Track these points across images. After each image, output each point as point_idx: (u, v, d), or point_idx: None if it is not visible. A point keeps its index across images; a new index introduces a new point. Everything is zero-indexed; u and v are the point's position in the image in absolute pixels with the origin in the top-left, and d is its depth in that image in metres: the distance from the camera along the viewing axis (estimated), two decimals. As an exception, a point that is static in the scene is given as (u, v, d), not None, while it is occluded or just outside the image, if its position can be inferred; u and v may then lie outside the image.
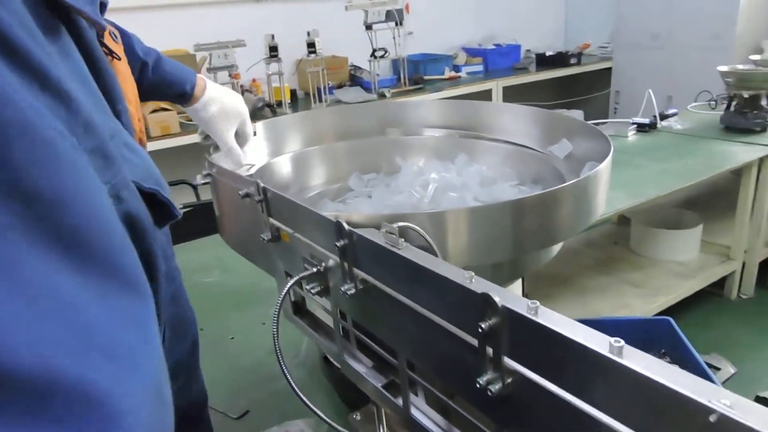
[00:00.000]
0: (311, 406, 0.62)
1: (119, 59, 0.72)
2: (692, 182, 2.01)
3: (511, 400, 0.43)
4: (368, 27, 3.55)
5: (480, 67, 4.48)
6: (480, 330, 0.42)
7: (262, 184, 0.67)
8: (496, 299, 0.43)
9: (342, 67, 4.00)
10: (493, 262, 0.80)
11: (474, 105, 1.20)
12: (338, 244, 0.58)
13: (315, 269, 0.59)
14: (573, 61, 4.53)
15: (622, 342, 0.36)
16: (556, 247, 0.91)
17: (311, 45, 3.27)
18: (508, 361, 0.43)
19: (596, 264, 2.57)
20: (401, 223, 0.68)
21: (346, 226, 0.58)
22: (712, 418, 0.29)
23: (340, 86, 3.88)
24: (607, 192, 0.87)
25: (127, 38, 0.85)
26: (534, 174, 1.07)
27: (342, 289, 0.55)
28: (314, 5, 3.91)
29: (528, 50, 4.81)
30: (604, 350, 0.37)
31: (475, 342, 0.46)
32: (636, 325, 1.79)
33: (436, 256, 0.69)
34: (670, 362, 1.68)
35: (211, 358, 1.17)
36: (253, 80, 3.57)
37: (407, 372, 0.57)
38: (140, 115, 0.77)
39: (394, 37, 3.69)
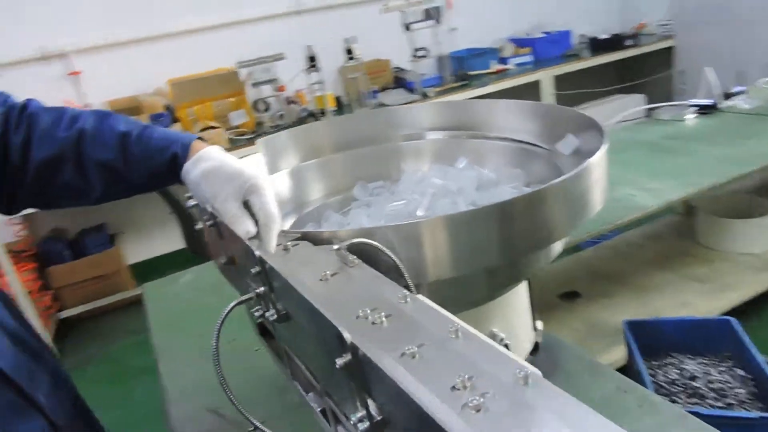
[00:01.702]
0: (250, 417, 0.60)
1: None
2: (752, 168, 1.83)
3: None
4: (407, 27, 3.52)
5: (528, 58, 4.33)
6: (336, 365, 0.39)
7: (209, 209, 0.66)
8: (346, 336, 0.39)
9: (385, 70, 3.99)
10: (478, 269, 0.76)
11: (474, 104, 1.14)
12: (253, 271, 0.56)
13: (253, 293, 0.58)
14: (629, 42, 4.28)
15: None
16: (557, 246, 0.85)
17: (349, 51, 3.28)
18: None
19: (658, 258, 2.41)
20: (357, 239, 0.65)
21: (257, 253, 0.56)
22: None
23: (384, 89, 3.87)
24: (605, 186, 0.81)
25: (95, 117, 0.74)
26: (541, 173, 1.01)
27: (266, 314, 0.53)
28: (352, 11, 3.92)
29: (582, 35, 4.60)
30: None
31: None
32: (694, 326, 1.66)
33: (400, 270, 0.66)
34: (732, 367, 1.54)
35: (235, 369, 1.20)
36: (297, 91, 3.62)
37: (327, 398, 0.54)
38: None
39: (434, 35, 3.65)
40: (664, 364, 1.54)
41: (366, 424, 0.38)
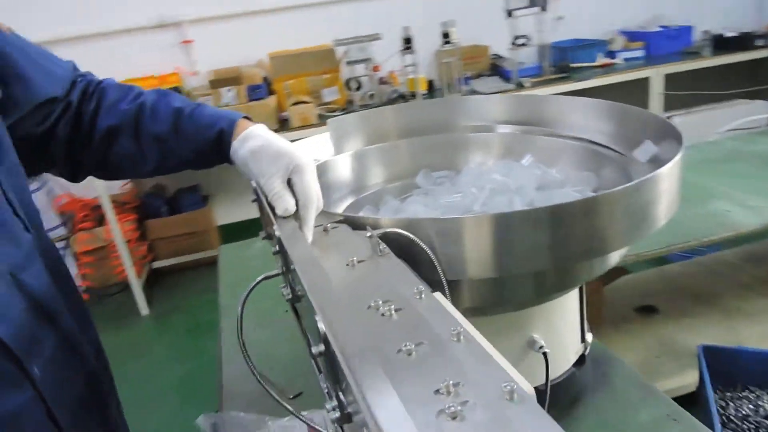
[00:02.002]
0: (269, 389, 0.63)
1: None
2: None
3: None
4: (509, 14, 3.41)
5: (640, 53, 4.04)
6: (311, 354, 0.39)
7: (254, 185, 0.68)
8: (320, 327, 0.39)
9: (482, 56, 3.90)
10: (523, 273, 0.73)
11: (550, 100, 1.09)
12: (274, 250, 0.57)
13: (279, 270, 0.60)
14: (761, 42, 3.87)
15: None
16: (613, 257, 0.80)
17: (446, 35, 3.24)
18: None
19: (754, 283, 2.20)
20: (389, 229, 0.65)
21: (276, 232, 0.57)
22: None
23: (479, 76, 3.78)
24: (674, 199, 0.75)
25: (160, 96, 0.79)
26: (612, 179, 0.95)
27: (283, 292, 0.55)
28: (454, -6, 3.85)
29: (705, 31, 4.22)
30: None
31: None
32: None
33: (435, 263, 0.66)
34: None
35: (283, 343, 1.25)
36: (391, 72, 3.64)
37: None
38: None
39: (537, 23, 3.50)
40: (739, 397, 1.41)
41: (337, 413, 0.39)
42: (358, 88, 3.41)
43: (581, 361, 0.92)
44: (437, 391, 0.38)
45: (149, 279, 3.45)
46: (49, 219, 3.37)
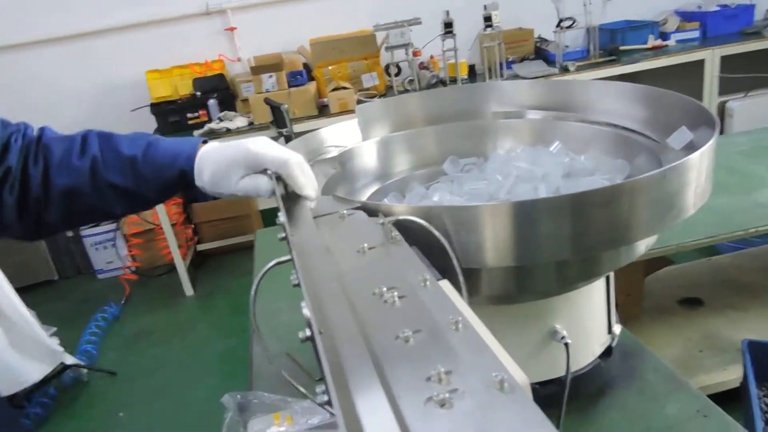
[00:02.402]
0: (296, 384, 0.64)
1: None
2: None
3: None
4: (554, -5, 3.31)
5: (695, 33, 3.85)
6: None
7: (271, 173, 0.69)
8: (306, 313, 0.40)
9: (526, 40, 3.80)
10: (543, 263, 0.72)
11: (582, 84, 1.06)
12: (280, 236, 0.58)
13: (289, 256, 0.61)
14: (827, 21, 3.63)
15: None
16: (640, 246, 0.78)
17: (487, 19, 3.17)
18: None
19: (811, 276, 2.09)
20: (402, 216, 0.65)
21: (280, 219, 0.58)
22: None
23: (522, 60, 3.70)
24: (705, 189, 0.72)
25: (103, 140, 0.76)
26: (644, 167, 0.92)
27: (291, 278, 0.56)
28: (498, -24, 3.76)
29: (768, 10, 3.98)
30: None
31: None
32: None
33: (449, 250, 0.65)
34: None
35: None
36: (431, 57, 3.60)
37: None
38: None
39: (585, 5, 3.39)
40: (783, 395, 1.36)
41: (326, 397, 0.40)
42: (397, 74, 3.40)
43: (608, 352, 0.90)
44: (428, 379, 0.38)
45: (194, 261, 3.57)
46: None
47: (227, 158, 0.71)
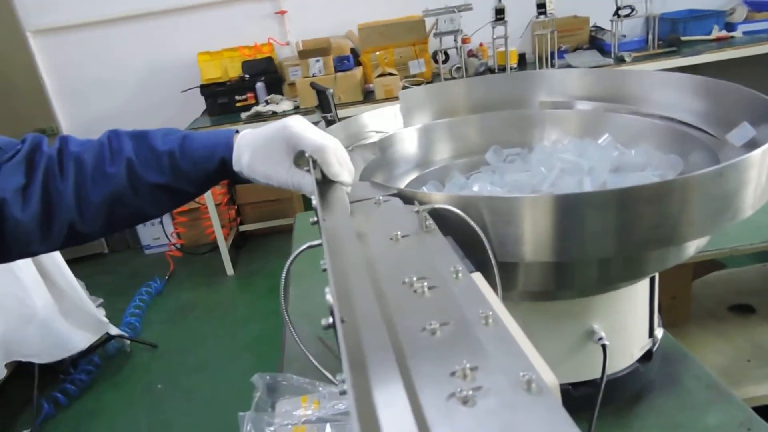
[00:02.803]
0: (321, 367, 0.64)
1: None
2: None
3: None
4: (613, -18, 3.18)
5: (765, 25, 3.64)
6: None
7: (308, 155, 0.68)
8: (328, 299, 0.39)
9: (581, 28, 3.68)
10: (584, 260, 0.69)
11: (636, 75, 1.01)
12: (312, 220, 0.57)
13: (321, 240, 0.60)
14: None
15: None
16: (689, 247, 0.73)
17: (541, 6, 3.08)
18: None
19: None
20: (438, 205, 0.64)
21: (314, 201, 0.57)
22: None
23: (576, 49, 3.58)
24: (764, 188, 0.67)
25: (132, 139, 0.74)
26: (700, 163, 0.87)
27: (321, 263, 0.55)
28: (554, -38, 3.63)
29: None
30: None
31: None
32: None
33: (485, 242, 0.63)
34: None
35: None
36: (481, 44, 3.53)
37: None
38: None
39: (645, -8, 3.25)
40: (839, 413, 1.27)
41: (345, 386, 0.39)
42: (445, 61, 3.35)
43: (648, 356, 0.86)
44: (453, 374, 0.37)
45: (236, 241, 3.64)
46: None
47: (266, 137, 0.70)
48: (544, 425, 0.31)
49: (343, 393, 0.37)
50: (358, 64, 3.44)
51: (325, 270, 0.58)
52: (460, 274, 0.49)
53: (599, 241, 0.64)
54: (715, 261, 1.95)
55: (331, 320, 0.38)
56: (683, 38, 3.53)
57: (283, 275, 0.65)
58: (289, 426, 0.84)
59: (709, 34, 3.57)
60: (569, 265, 0.70)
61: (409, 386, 0.36)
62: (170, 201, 0.75)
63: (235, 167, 0.72)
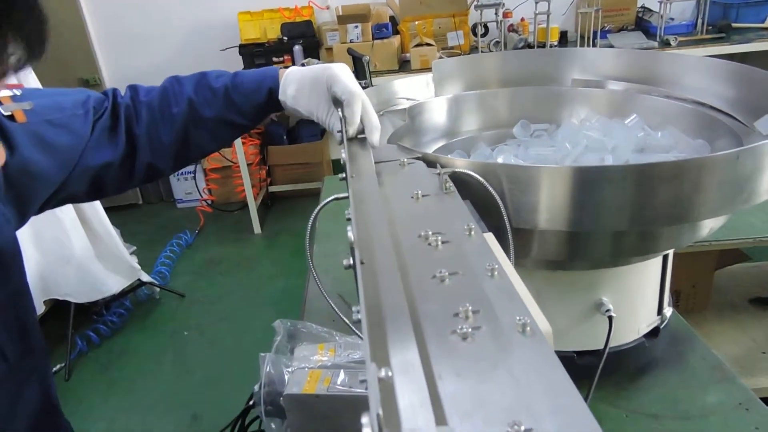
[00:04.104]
0: (346, 320, 0.69)
1: None
2: None
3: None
4: (664, -38, 3.08)
5: (822, 16, 3.48)
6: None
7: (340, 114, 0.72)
8: (350, 237, 0.43)
9: (628, 9, 3.58)
10: (598, 231, 0.72)
11: (668, 57, 1.01)
12: (340, 176, 0.61)
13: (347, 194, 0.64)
14: None
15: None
16: (704, 227, 0.75)
17: (587, -18, 3.00)
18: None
19: None
20: (459, 169, 0.67)
21: (344, 155, 0.61)
22: None
23: (621, 30, 3.49)
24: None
25: (188, 80, 0.82)
26: (725, 148, 0.88)
27: (346, 213, 0.59)
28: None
29: None
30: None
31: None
32: None
33: (501, 207, 0.67)
34: None
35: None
36: (522, 19, 3.47)
37: None
38: None
39: (698, -25, 3.14)
40: None
41: (359, 316, 0.43)
42: (484, 34, 3.31)
43: (654, 333, 0.88)
44: (456, 314, 0.41)
45: (264, 201, 3.72)
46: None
47: (312, 75, 0.78)
48: (534, 362, 0.35)
49: (357, 322, 0.42)
50: (396, 32, 3.43)
51: (349, 219, 0.62)
52: (473, 233, 0.53)
53: (614, 214, 0.66)
54: (740, 253, 1.94)
55: (351, 261, 0.42)
56: (734, 25, 3.41)
57: (310, 223, 0.69)
58: (306, 369, 0.89)
59: (763, 21, 3.44)
60: (583, 235, 0.73)
61: (416, 322, 0.40)
62: (228, 134, 0.84)
63: (281, 97, 0.80)
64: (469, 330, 0.38)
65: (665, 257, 0.85)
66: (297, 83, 0.78)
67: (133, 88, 0.83)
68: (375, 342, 0.35)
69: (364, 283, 0.41)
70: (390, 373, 0.26)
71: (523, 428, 0.29)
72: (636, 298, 0.84)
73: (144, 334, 2.67)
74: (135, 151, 0.80)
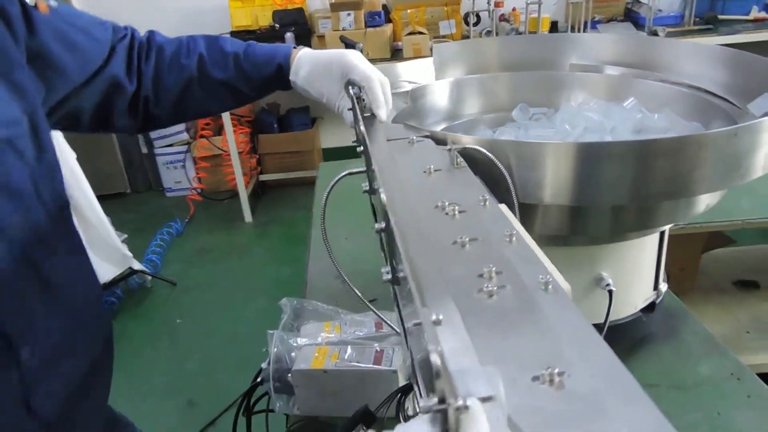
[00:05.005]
0: (361, 296, 0.70)
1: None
2: None
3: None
4: (653, -47, 3.12)
5: (805, 8, 3.55)
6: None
7: (352, 93, 0.74)
8: (383, 198, 0.44)
9: (617, 0, 3.61)
10: (599, 205, 0.75)
11: (664, 43, 1.04)
12: (359, 149, 0.63)
13: (362, 168, 0.66)
14: None
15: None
16: (700, 203, 0.78)
17: (577, -28, 3.03)
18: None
19: None
20: (468, 145, 0.69)
21: (362, 129, 0.62)
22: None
23: (609, 21, 3.53)
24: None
25: (211, 41, 0.84)
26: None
27: (364, 186, 0.61)
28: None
29: None
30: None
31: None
32: None
33: (509, 182, 0.69)
34: None
35: (367, 255, 1.34)
36: (513, 9, 3.49)
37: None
38: None
39: (685, -34, 3.18)
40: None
41: (389, 276, 0.45)
42: (476, 23, 3.32)
43: (650, 308, 0.92)
44: (480, 275, 0.43)
45: (255, 190, 3.72)
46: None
47: (327, 58, 0.80)
48: (559, 316, 0.37)
49: (389, 281, 0.44)
50: (389, 20, 3.43)
51: (366, 192, 0.64)
52: (487, 203, 0.55)
53: (615, 189, 0.69)
54: (725, 236, 1.99)
55: (384, 224, 0.44)
56: (721, 17, 3.47)
57: (323, 200, 0.71)
58: (314, 346, 0.91)
59: (748, 14, 3.50)
60: (585, 210, 0.75)
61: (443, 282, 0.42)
62: (230, 99, 0.86)
63: (291, 77, 0.82)
64: (495, 288, 0.41)
65: (662, 234, 0.88)
66: (311, 65, 0.80)
67: (150, 32, 0.85)
68: (423, 290, 0.37)
69: (403, 239, 0.42)
70: (441, 317, 0.28)
71: (557, 371, 0.31)
72: (634, 274, 0.87)
73: (136, 322, 2.66)
74: (140, 87, 0.81)
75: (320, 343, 0.92)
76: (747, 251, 2.09)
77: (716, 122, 0.92)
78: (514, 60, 1.16)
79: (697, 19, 3.45)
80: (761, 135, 0.67)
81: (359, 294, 0.77)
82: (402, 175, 0.63)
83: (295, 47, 0.84)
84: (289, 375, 0.90)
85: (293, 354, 0.94)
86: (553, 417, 0.29)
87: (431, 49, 3.31)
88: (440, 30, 3.37)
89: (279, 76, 0.83)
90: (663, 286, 0.93)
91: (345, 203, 1.64)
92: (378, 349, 0.88)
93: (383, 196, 0.44)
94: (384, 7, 3.47)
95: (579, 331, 0.36)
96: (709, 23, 3.41)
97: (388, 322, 0.88)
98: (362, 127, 0.64)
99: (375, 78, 0.76)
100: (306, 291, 1.19)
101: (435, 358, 0.24)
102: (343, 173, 0.69)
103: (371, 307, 0.80)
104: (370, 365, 0.86)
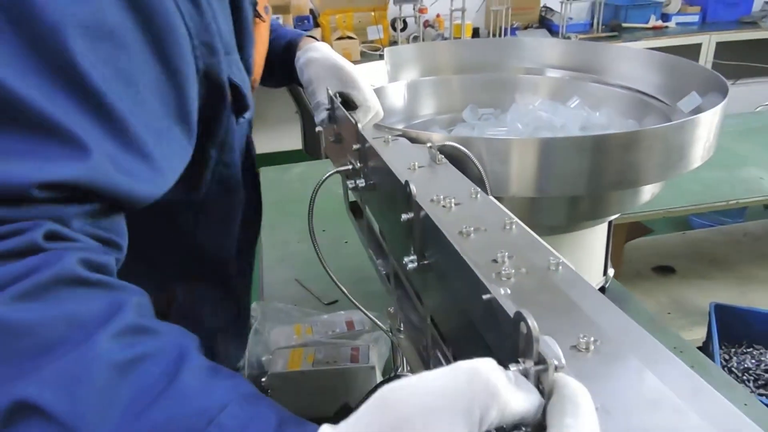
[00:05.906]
0: (349, 295, 0.72)
1: (263, 21, 0.78)
2: None
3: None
4: (564, -35, 3.33)
5: (695, 18, 3.93)
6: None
7: (330, 93, 0.75)
8: (412, 188, 0.47)
9: (532, 8, 3.83)
10: (560, 196, 0.80)
11: (601, 47, 1.13)
12: (355, 147, 0.64)
13: (350, 166, 0.67)
14: (822, 18, 3.73)
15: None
16: (645, 192, 0.86)
17: (498, -19, 3.18)
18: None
19: (776, 256, 2.24)
20: (448, 142, 0.72)
21: (360, 128, 0.64)
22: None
23: (526, 27, 3.73)
24: (712, 145, 0.80)
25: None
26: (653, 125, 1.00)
27: (357, 183, 0.63)
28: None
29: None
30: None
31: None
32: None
33: (482, 178, 0.73)
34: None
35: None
36: (438, 15, 3.60)
37: (391, 258, 0.64)
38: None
39: (593, -23, 3.42)
40: (743, 352, 1.49)
41: (415, 264, 0.47)
42: (403, 29, 3.40)
43: (601, 292, 0.99)
44: (494, 260, 0.46)
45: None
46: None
47: (329, 64, 0.82)
48: (577, 291, 0.41)
49: (413, 270, 0.46)
50: (317, 25, 3.43)
51: (353, 188, 0.66)
52: (479, 195, 0.58)
53: (574, 180, 0.74)
54: (644, 227, 2.16)
55: (411, 215, 0.46)
56: (624, 24, 3.76)
57: (311, 198, 0.72)
58: (287, 348, 0.91)
59: (647, 22, 3.82)
60: (546, 201, 0.81)
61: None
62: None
63: (299, 54, 0.85)
64: (513, 271, 0.44)
65: (610, 223, 0.96)
66: (320, 55, 0.83)
67: None
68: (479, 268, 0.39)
69: (443, 225, 0.45)
70: (509, 291, 0.31)
71: (592, 338, 0.35)
72: (588, 261, 0.94)
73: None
74: None
75: (293, 345, 0.92)
76: (662, 240, 2.28)
77: (650, 119, 1.02)
78: (463, 63, 1.21)
79: (604, 26, 3.72)
80: (700, 128, 0.75)
81: (348, 294, 0.78)
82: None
83: (312, 37, 0.88)
84: (263, 379, 0.89)
85: (264, 358, 0.93)
86: (602, 378, 0.33)
87: (361, 54, 3.32)
88: (368, 35, 3.41)
89: (287, 53, 0.86)
90: (611, 272, 1.01)
91: (295, 206, 1.64)
92: (353, 346, 0.90)
93: (412, 188, 0.46)
94: (311, 12, 3.48)
95: (598, 304, 0.39)
96: (614, 30, 3.68)
97: (373, 318, 0.89)
98: (360, 127, 0.66)
99: (374, 107, 0.79)
100: (261, 293, 1.18)
101: (523, 327, 0.27)
102: (332, 171, 0.70)
103: (361, 307, 0.80)
104: (348, 363, 0.87)
